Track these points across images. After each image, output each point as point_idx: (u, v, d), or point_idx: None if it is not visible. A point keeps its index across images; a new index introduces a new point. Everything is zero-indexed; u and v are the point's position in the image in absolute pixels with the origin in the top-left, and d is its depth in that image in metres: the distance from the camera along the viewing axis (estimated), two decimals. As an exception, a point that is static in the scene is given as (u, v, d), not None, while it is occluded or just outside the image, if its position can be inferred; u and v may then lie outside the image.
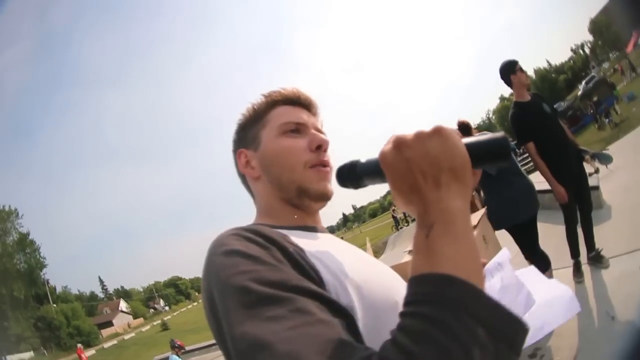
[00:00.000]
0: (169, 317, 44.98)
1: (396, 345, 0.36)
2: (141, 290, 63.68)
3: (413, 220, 1.84)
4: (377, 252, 14.12)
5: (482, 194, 3.50)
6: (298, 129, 0.71)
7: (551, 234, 3.42)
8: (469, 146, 0.44)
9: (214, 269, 0.50)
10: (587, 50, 44.08)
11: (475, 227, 2.28)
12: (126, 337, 36.00)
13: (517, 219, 2.78)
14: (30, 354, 29.34)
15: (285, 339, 0.39)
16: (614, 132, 12.36)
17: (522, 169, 3.05)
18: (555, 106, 3.63)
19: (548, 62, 47.87)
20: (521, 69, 3.00)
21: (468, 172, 0.43)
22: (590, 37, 40.88)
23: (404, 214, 21.79)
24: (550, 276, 2.82)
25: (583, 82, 26.85)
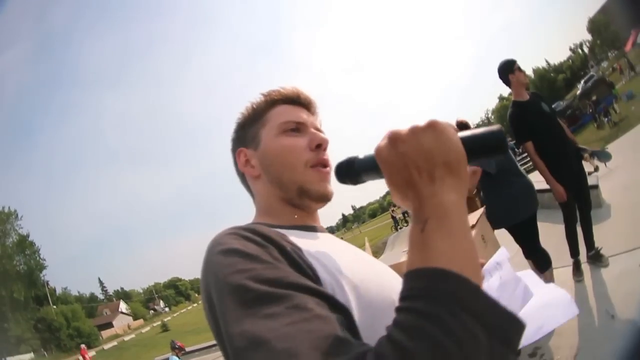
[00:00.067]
0: (169, 318, 44.97)
1: (391, 341, 0.36)
2: (141, 291, 63.60)
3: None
4: (377, 253, 14.12)
5: (481, 193, 3.50)
6: (298, 128, 0.71)
7: (550, 233, 3.42)
8: (464, 140, 0.44)
9: (212, 268, 0.50)
10: (586, 50, 44.10)
11: (473, 226, 2.28)
12: (126, 338, 35.99)
13: (517, 218, 2.78)
14: (31, 355, 29.31)
15: (282, 335, 0.39)
16: (613, 131, 12.36)
17: (522, 168, 3.06)
18: (554, 105, 3.63)
19: (547, 61, 47.89)
20: (519, 69, 3.00)
21: (463, 166, 0.43)
22: (589, 37, 40.95)
23: (403, 214, 21.81)
24: (550, 275, 2.83)
25: (582, 82, 26.89)
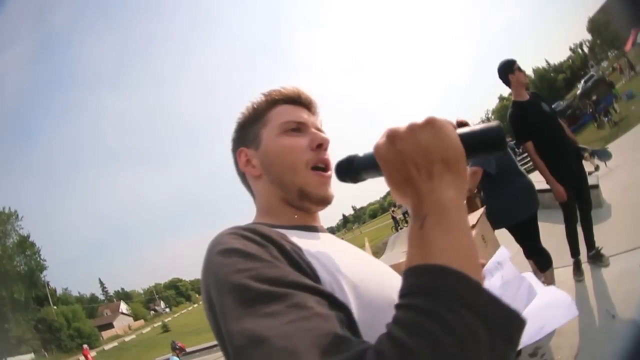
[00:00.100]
0: (170, 318, 45.03)
1: (391, 339, 0.36)
2: (141, 292, 63.61)
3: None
4: (377, 253, 14.10)
5: (482, 193, 3.50)
6: (299, 128, 0.71)
7: (551, 233, 3.41)
8: (462, 136, 0.44)
9: (212, 267, 0.50)
10: (586, 49, 44.06)
11: (474, 226, 2.28)
12: (127, 339, 36.00)
13: (517, 218, 2.78)
14: (31, 355, 29.32)
15: (282, 333, 0.39)
16: (613, 131, 12.35)
17: (522, 168, 3.06)
18: (554, 105, 3.63)
19: (547, 61, 47.83)
20: (519, 68, 3.00)
21: (462, 163, 0.43)
22: (588, 36, 40.91)
23: (404, 214, 21.80)
24: (551, 275, 2.83)
25: (582, 81, 26.85)
